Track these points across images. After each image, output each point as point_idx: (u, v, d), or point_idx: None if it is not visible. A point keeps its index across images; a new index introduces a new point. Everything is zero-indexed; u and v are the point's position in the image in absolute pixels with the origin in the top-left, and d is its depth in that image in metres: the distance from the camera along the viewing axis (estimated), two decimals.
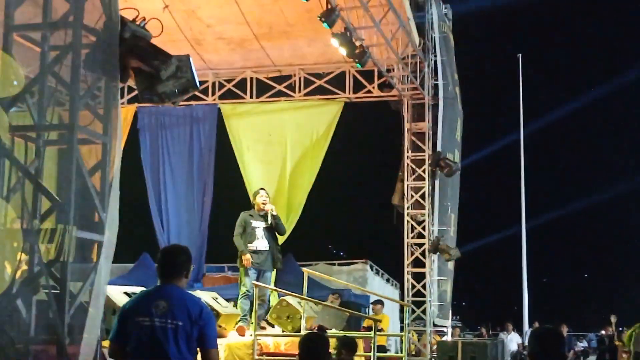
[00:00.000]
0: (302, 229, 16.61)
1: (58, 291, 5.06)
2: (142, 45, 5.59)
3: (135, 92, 14.74)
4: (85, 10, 5.40)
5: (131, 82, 6.11)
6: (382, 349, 15.26)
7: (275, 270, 11.93)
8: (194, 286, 15.93)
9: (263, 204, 11.35)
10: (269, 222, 11.29)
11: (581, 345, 26.01)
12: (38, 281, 5.10)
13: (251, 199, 11.65)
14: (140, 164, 16.86)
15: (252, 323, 10.42)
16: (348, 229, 41.96)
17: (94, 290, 5.10)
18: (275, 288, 12.33)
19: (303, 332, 10.29)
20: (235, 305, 11.41)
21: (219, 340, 9.17)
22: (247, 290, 11.06)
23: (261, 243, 11.19)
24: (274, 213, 11.41)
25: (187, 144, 16.69)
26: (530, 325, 24.28)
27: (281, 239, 15.59)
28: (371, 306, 16.61)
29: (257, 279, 10.94)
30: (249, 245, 11.13)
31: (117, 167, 5.46)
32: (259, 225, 11.23)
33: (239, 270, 11.47)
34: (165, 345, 4.75)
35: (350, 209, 41.16)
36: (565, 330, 22.50)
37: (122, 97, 16.21)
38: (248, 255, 11.05)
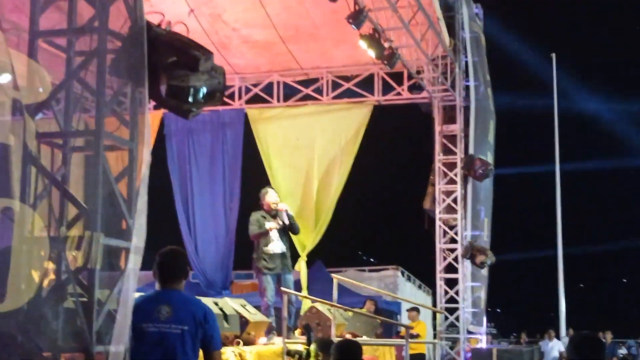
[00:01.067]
0: (331, 234, 16.61)
1: (86, 299, 5.09)
2: (182, 39, 5.62)
3: None
4: (110, 15, 5.45)
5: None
6: (421, 357, 15.19)
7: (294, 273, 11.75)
8: (222, 293, 15.99)
9: (275, 203, 11.08)
10: (282, 223, 11.05)
11: (620, 352, 25.71)
12: (65, 289, 5.15)
13: (260, 198, 11.29)
14: (167, 170, 16.97)
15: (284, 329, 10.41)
16: (378, 235, 41.92)
17: (121, 298, 5.13)
18: (304, 295, 12.35)
19: (334, 340, 10.29)
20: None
21: (248, 348, 9.24)
22: (267, 301, 10.90)
23: (277, 246, 10.96)
24: (290, 213, 11.20)
25: (213, 149, 16.77)
26: (567, 332, 24.07)
27: (309, 244, 15.67)
28: (407, 313, 16.58)
29: (278, 284, 10.84)
30: (264, 249, 10.95)
31: (144, 173, 5.50)
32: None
33: (257, 277, 11.26)
34: (173, 350, 4.79)
35: (381, 214, 41.10)
36: (610, 337, 22.26)
37: (148, 102, 16.38)
38: (272, 224, 10.86)
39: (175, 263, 5.08)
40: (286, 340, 9.81)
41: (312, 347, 7.33)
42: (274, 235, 10.97)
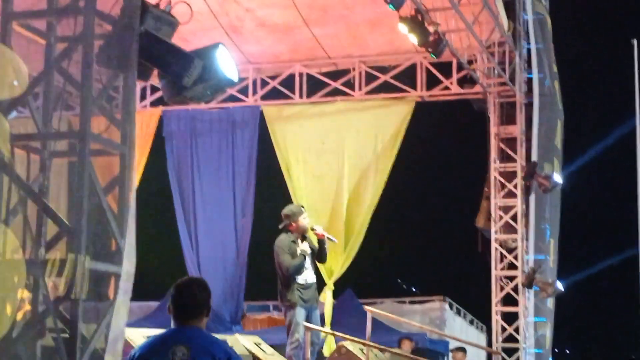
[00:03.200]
0: (364, 258, 16.57)
1: (68, 335, 5.11)
2: (154, 47, 5.64)
3: (160, 93, 14.97)
4: None
5: (154, 80, 6.19)
6: None
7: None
8: (233, 329, 15.98)
9: (313, 229, 10.99)
10: (313, 248, 10.98)
11: None
12: (44, 323, 5.16)
13: (290, 219, 10.96)
14: (166, 180, 17.02)
15: None
16: (421, 259, 41.75)
17: (110, 334, 5.13)
18: (332, 332, 12.33)
19: None
20: (283, 353, 11.37)
21: None
22: (300, 338, 10.90)
23: (309, 275, 10.88)
24: (330, 236, 11.16)
25: (222, 154, 16.80)
26: None
27: (337, 270, 15.62)
28: (451, 354, 16.47)
29: (307, 320, 10.85)
30: (298, 278, 10.91)
31: (135, 184, 5.51)
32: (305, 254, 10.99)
33: (284, 311, 11.25)
34: None
35: (424, 234, 40.94)
36: None
37: (144, 98, 16.48)
38: (306, 248, 10.79)
39: (196, 296, 5.06)
40: None
41: None
42: (307, 262, 10.90)
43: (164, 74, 5.76)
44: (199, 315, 5.00)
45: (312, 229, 11.01)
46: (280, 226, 11.02)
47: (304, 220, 10.94)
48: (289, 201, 15.93)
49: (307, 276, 10.90)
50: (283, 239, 10.88)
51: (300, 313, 10.85)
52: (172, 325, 5.03)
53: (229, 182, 16.78)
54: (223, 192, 16.80)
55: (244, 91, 16.66)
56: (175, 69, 5.63)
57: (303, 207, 11.47)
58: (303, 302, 10.85)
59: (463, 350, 15.81)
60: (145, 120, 16.31)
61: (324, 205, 15.95)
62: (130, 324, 7.20)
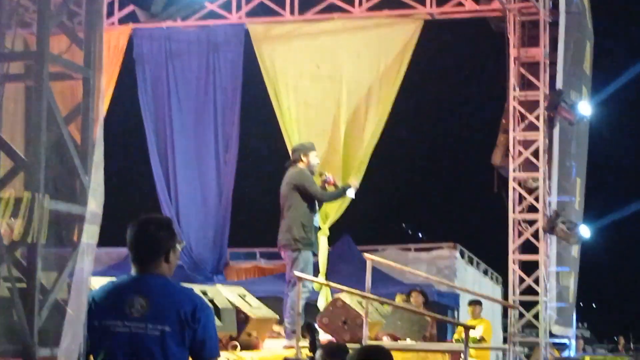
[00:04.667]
0: (364, 200, 16.59)
1: (25, 285, 5.11)
2: None
3: (130, 9, 14.85)
4: None
5: None
6: None
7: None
8: (214, 279, 16.08)
9: (321, 175, 11.65)
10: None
11: None
12: None
13: (300, 152, 11.59)
14: (138, 109, 16.97)
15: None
16: (429, 201, 41.95)
17: (73, 284, 5.13)
18: (327, 282, 12.41)
19: (366, 343, 10.34)
20: (271, 306, 11.45)
21: (249, 353, 9.30)
22: (312, 288, 11.13)
23: (317, 218, 11.44)
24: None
25: (202, 80, 16.74)
26: None
27: (333, 213, 15.75)
28: (467, 308, 16.59)
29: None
30: (315, 219, 11.34)
31: (102, 113, 5.47)
32: None
33: (294, 254, 11.33)
34: (149, 359, 4.77)
35: (432, 173, 41.10)
36: None
37: (112, 14, 16.34)
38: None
39: (153, 236, 5.03)
40: (302, 344, 9.87)
41: (318, 354, 7.41)
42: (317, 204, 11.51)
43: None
44: (156, 259, 4.97)
45: (321, 174, 11.36)
46: (288, 163, 11.27)
47: (314, 159, 11.30)
48: (278, 134, 15.94)
49: (317, 218, 11.29)
50: (304, 170, 11.20)
51: (311, 259, 11.11)
52: (132, 271, 5.01)
53: (210, 111, 16.74)
54: (203, 123, 16.77)
55: (226, 6, 16.53)
56: None
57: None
58: (310, 245, 11.18)
59: (479, 303, 15.94)
60: (113, 40, 16.21)
61: (319, 138, 15.89)
62: (97, 273, 7.21)
